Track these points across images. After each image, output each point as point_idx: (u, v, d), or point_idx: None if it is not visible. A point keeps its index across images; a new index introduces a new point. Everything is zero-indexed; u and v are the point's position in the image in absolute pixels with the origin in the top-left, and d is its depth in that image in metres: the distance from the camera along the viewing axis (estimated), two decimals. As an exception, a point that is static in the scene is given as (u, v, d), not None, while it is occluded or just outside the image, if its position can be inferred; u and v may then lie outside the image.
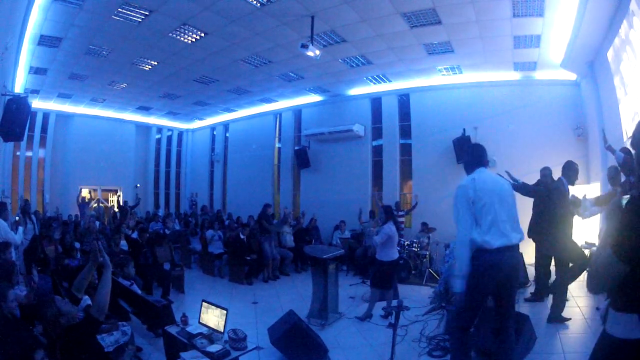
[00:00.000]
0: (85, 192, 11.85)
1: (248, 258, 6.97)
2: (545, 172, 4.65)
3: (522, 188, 4.49)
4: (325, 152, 10.57)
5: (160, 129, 14.08)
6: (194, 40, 6.73)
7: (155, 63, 7.87)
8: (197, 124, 14.09)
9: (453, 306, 2.55)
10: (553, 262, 4.31)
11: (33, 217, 6.52)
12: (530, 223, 4.50)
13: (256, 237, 7.37)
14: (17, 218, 5.61)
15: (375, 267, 4.94)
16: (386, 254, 4.65)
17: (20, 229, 5.03)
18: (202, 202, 13.06)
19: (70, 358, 2.14)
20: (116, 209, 10.67)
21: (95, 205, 11.83)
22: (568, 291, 3.86)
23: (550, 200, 3.98)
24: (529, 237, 4.40)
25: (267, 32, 6.40)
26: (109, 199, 12.77)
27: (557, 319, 3.64)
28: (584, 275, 3.77)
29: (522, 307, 3.98)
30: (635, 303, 1.24)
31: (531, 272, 5.12)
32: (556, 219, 3.81)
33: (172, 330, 3.38)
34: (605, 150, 4.30)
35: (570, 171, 3.94)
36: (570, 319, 3.66)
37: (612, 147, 3.93)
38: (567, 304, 3.80)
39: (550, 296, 4.02)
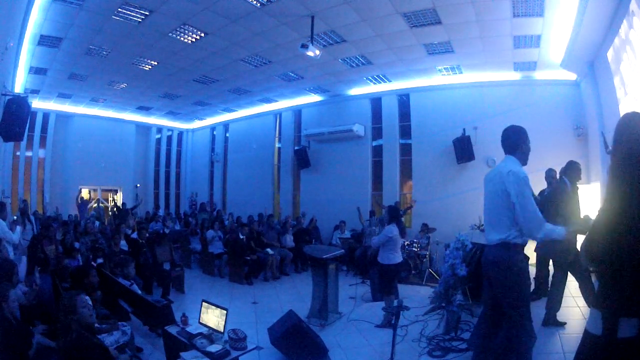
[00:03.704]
0: (84, 193, 11.85)
1: (248, 258, 6.98)
2: (550, 173, 4.62)
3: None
4: (325, 152, 10.57)
5: (160, 129, 14.08)
6: (194, 40, 6.73)
7: (155, 63, 7.87)
8: (197, 124, 14.09)
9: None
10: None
11: (32, 217, 6.53)
12: None
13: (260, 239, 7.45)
14: (14, 218, 5.61)
15: (377, 270, 4.88)
16: (387, 256, 4.54)
17: (18, 228, 5.02)
18: (201, 202, 13.06)
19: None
20: (114, 209, 10.67)
21: (95, 205, 11.83)
22: (567, 290, 3.83)
23: (549, 202, 3.95)
24: None
25: (267, 32, 6.40)
26: (109, 198, 12.77)
27: (551, 322, 3.60)
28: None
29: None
30: (598, 300, 1.31)
31: (531, 270, 5.10)
32: (555, 221, 3.79)
33: (172, 330, 3.38)
34: (605, 148, 4.28)
35: (573, 171, 3.88)
36: (565, 323, 3.61)
37: None
38: (567, 303, 3.78)
39: (544, 297, 3.99)
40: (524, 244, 2.42)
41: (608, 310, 1.25)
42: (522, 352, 2.33)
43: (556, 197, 3.81)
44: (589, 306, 3.68)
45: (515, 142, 2.50)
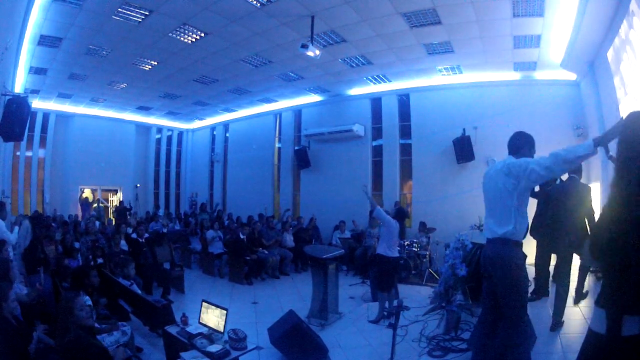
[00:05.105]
0: (87, 193, 11.85)
1: (248, 258, 6.98)
2: None
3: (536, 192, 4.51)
4: (325, 152, 10.56)
5: (160, 129, 14.08)
6: (194, 40, 6.73)
7: (155, 63, 7.87)
8: (197, 124, 14.09)
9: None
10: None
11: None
12: (532, 222, 4.51)
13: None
14: (15, 218, 5.62)
15: (376, 265, 4.93)
16: (384, 249, 4.65)
17: (16, 228, 5.03)
18: (202, 202, 13.06)
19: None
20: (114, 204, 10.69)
21: (96, 205, 11.84)
22: (568, 290, 3.82)
23: (558, 197, 3.96)
24: (531, 235, 4.40)
25: (267, 32, 6.40)
26: (109, 198, 12.77)
27: (559, 327, 3.59)
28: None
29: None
30: (602, 298, 1.32)
31: (531, 271, 5.09)
32: (564, 219, 3.78)
33: (172, 330, 3.38)
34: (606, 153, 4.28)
35: (580, 170, 3.97)
36: (564, 322, 3.62)
37: (615, 157, 3.91)
38: (567, 303, 3.77)
39: (544, 297, 3.98)
40: (521, 241, 2.45)
41: (612, 309, 1.26)
42: (521, 354, 2.32)
43: (570, 192, 3.85)
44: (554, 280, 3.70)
45: (516, 144, 2.54)
